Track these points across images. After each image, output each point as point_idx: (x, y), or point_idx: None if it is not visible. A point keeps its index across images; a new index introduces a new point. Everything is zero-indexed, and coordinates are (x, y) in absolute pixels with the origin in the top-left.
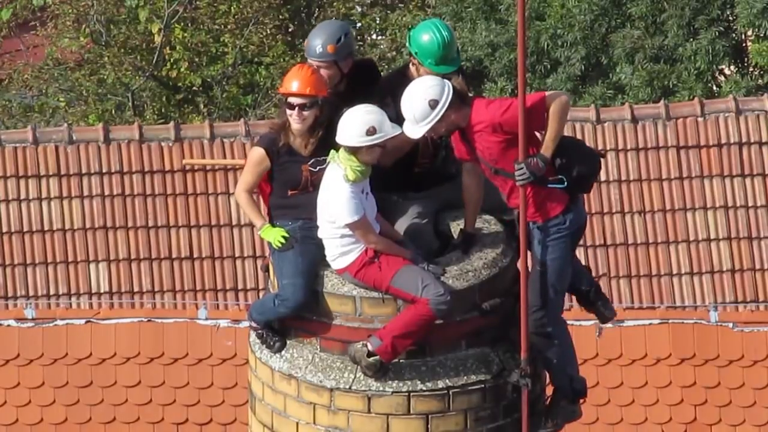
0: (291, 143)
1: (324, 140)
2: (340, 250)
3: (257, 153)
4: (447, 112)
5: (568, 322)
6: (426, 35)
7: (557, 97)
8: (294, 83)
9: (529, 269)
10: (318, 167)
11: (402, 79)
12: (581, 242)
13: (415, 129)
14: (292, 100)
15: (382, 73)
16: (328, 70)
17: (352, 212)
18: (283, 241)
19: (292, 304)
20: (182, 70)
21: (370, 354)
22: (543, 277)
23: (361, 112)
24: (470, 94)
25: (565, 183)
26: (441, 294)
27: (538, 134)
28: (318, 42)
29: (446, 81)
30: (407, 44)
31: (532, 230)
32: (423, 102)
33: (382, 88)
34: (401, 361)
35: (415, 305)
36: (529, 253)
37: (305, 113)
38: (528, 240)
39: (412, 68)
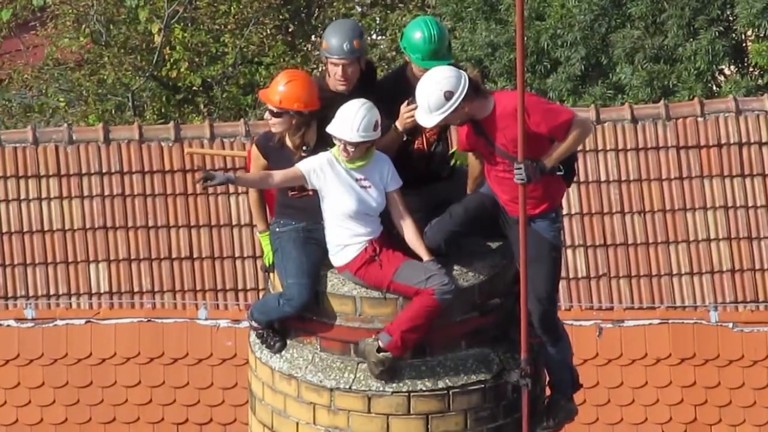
0: (284, 141)
1: (319, 144)
2: (341, 241)
3: (253, 149)
4: (461, 103)
5: (568, 322)
6: (415, 31)
7: (584, 122)
8: (270, 91)
9: (538, 262)
10: None
11: (401, 79)
12: (581, 241)
13: (428, 118)
14: (267, 105)
15: (381, 73)
16: (353, 66)
17: (308, 162)
18: (271, 261)
19: (298, 304)
20: (182, 70)
21: (380, 349)
22: (557, 262)
23: (351, 104)
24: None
25: (563, 171)
26: (446, 283)
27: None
28: (343, 39)
29: (463, 72)
30: (399, 41)
31: (540, 222)
32: (438, 92)
33: (381, 88)
34: (401, 361)
35: (420, 297)
36: (535, 250)
37: (274, 120)
38: (534, 235)
39: (412, 68)
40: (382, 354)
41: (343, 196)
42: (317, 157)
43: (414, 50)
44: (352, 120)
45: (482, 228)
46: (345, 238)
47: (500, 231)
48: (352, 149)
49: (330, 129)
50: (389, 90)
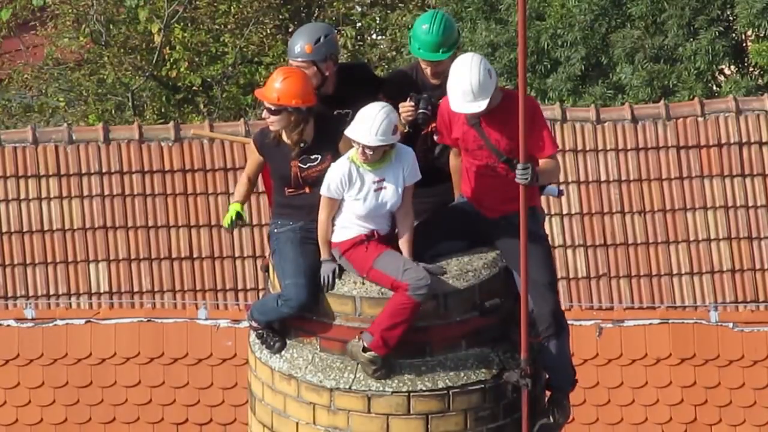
0: (281, 138)
1: (316, 140)
2: (343, 223)
3: (249, 145)
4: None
5: (568, 322)
6: (422, 22)
7: (558, 165)
8: (266, 89)
9: (529, 250)
10: (308, 164)
11: (410, 73)
12: (581, 241)
13: (474, 104)
14: (265, 103)
15: (380, 73)
16: (307, 71)
17: (328, 185)
18: (233, 217)
19: (295, 304)
20: (182, 70)
21: (365, 349)
22: (547, 247)
23: (371, 108)
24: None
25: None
26: (420, 278)
27: None
28: (297, 42)
29: None
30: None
31: (519, 215)
32: (485, 72)
33: (390, 81)
34: (401, 361)
35: (396, 295)
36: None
37: (273, 118)
38: (516, 227)
39: (422, 69)
40: (369, 353)
41: (357, 200)
42: (336, 173)
43: (415, 39)
44: (371, 124)
45: (461, 234)
46: (346, 222)
47: (477, 238)
48: (370, 153)
49: (349, 132)
50: (396, 84)
